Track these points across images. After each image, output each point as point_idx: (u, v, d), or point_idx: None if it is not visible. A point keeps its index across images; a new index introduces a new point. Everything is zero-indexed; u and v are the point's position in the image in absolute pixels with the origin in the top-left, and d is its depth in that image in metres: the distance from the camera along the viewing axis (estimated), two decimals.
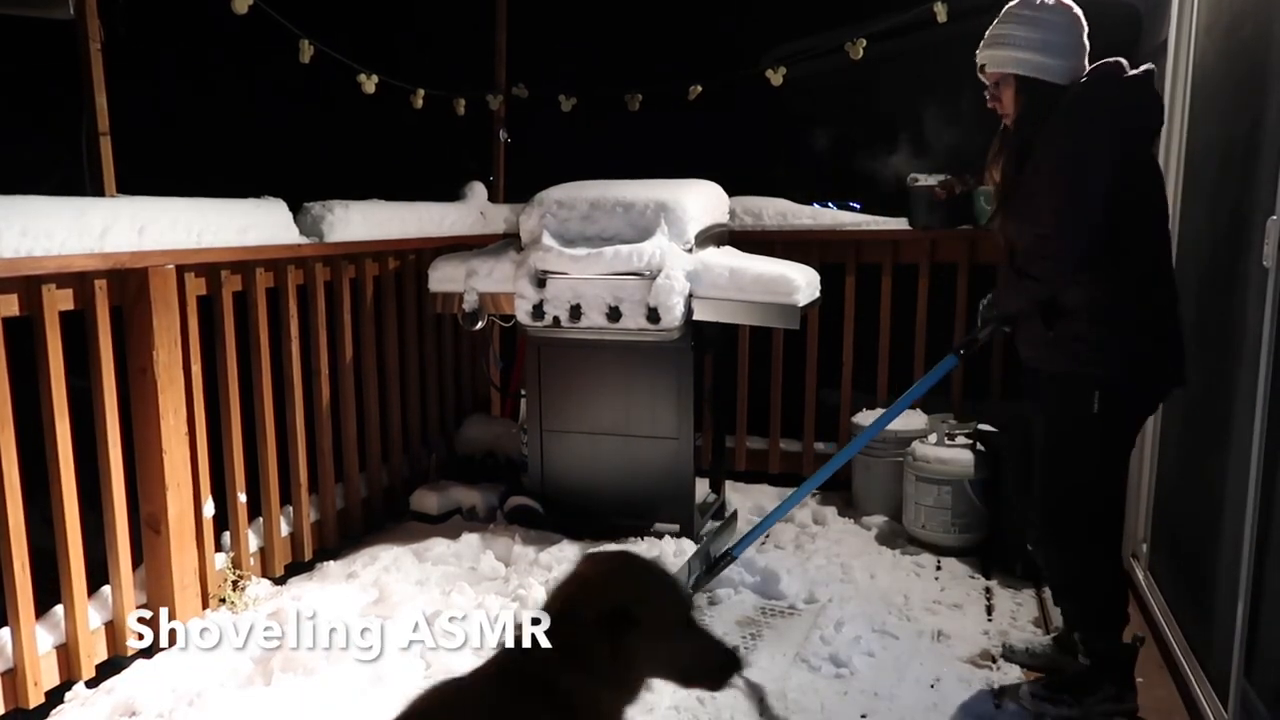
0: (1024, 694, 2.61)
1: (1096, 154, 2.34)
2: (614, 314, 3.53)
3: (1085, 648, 2.60)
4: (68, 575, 2.62)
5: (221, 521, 3.23)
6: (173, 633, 2.87)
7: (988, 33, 2.52)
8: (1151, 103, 2.47)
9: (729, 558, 3.27)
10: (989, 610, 3.22)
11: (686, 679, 1.60)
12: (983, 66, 2.54)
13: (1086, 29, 2.48)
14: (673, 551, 3.45)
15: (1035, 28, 2.44)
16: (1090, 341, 2.40)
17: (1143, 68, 2.44)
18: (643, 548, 3.48)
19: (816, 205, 4.61)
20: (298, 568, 3.55)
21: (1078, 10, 2.48)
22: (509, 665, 1.52)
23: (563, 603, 1.51)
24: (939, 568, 3.56)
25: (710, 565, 3.32)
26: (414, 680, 2.63)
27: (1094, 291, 2.39)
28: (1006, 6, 2.51)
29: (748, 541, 3.28)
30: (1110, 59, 2.44)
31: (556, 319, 3.60)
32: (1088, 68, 2.46)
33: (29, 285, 2.47)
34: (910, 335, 4.37)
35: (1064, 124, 2.39)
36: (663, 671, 1.55)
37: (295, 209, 3.49)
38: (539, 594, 3.33)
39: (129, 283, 2.76)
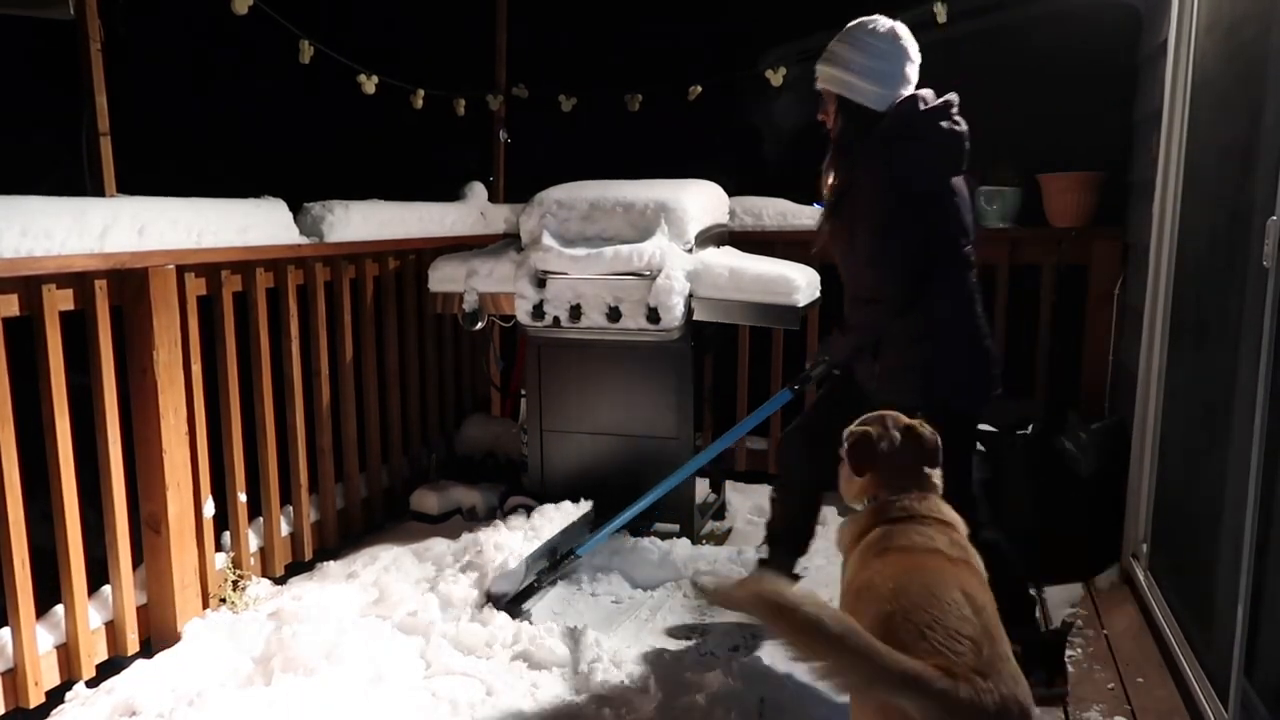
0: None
1: (900, 212, 2.48)
2: (614, 314, 3.53)
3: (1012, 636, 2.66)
4: (68, 575, 2.62)
5: (221, 521, 3.23)
6: (173, 633, 2.88)
7: (827, 47, 2.64)
8: (947, 143, 2.56)
9: (572, 555, 3.26)
10: None
11: None
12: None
13: (915, 63, 2.60)
14: (669, 551, 3.47)
15: (861, 52, 2.56)
16: (915, 370, 2.57)
17: (941, 100, 2.57)
18: (644, 544, 3.49)
19: (817, 205, 4.60)
20: (298, 568, 3.56)
21: (907, 42, 2.59)
22: None
23: None
24: None
25: (554, 562, 3.25)
26: (414, 680, 2.63)
27: (913, 325, 2.57)
28: (846, 26, 2.62)
29: (594, 542, 3.29)
30: (909, 95, 2.56)
31: (556, 319, 3.61)
32: (903, 95, 2.57)
33: (29, 285, 2.47)
34: None
35: (872, 169, 2.53)
36: None
37: (295, 209, 3.50)
38: (538, 594, 3.34)
39: (129, 283, 2.76)
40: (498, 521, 3.58)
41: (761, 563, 3.13)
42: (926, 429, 2.12)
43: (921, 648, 1.54)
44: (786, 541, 3.06)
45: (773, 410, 3.18)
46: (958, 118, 2.58)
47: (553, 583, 3.27)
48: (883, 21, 2.60)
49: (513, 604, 3.06)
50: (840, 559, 2.16)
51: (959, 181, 2.62)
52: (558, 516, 3.49)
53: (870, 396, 2.62)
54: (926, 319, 2.56)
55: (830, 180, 2.70)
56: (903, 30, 2.60)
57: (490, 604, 3.00)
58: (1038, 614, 2.87)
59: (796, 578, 3.12)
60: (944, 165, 2.57)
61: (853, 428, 2.15)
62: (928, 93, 2.61)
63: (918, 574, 1.77)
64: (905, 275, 2.52)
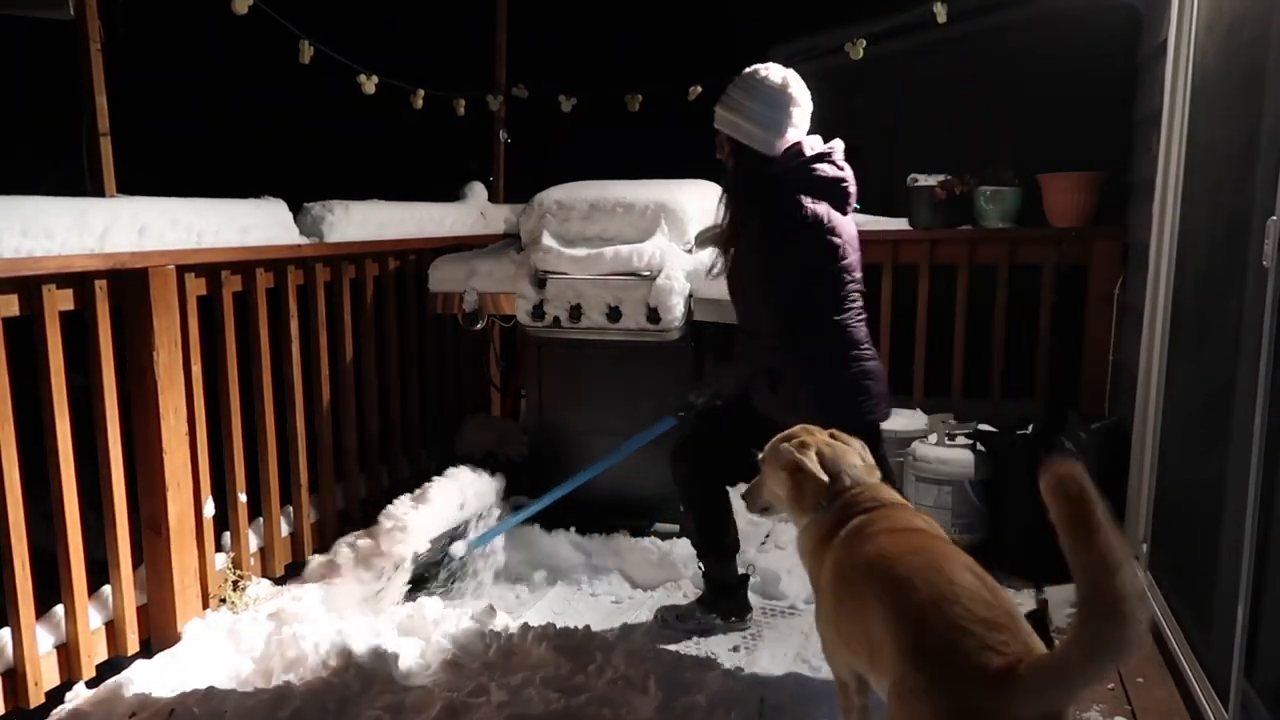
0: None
1: (784, 253, 2.65)
2: (614, 314, 3.53)
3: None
4: (68, 575, 2.62)
5: (222, 521, 3.23)
6: (173, 633, 2.89)
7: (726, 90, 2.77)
8: (829, 185, 2.72)
9: (471, 546, 3.37)
10: None
11: None
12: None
13: (804, 109, 2.74)
14: (669, 551, 3.46)
15: (750, 97, 2.71)
16: (809, 404, 2.67)
17: (825, 147, 2.74)
18: (644, 544, 3.49)
19: None
20: (298, 568, 3.55)
21: (794, 89, 2.73)
22: None
23: None
24: None
25: (439, 558, 3.34)
26: (416, 677, 2.63)
27: (804, 356, 2.72)
28: (743, 72, 2.76)
29: (486, 539, 3.37)
30: (795, 142, 2.72)
31: (556, 319, 3.61)
32: (791, 142, 2.72)
33: (29, 285, 2.47)
34: (910, 335, 4.37)
35: (758, 211, 2.70)
36: None
37: (295, 209, 3.50)
38: (538, 595, 3.34)
39: (129, 283, 2.76)
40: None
41: (705, 576, 3.13)
42: (844, 435, 2.32)
43: (967, 645, 1.57)
44: (714, 550, 3.10)
45: (655, 435, 3.23)
46: (840, 162, 2.76)
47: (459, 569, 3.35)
48: (775, 71, 2.75)
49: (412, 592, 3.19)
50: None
51: (846, 221, 2.76)
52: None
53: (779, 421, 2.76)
54: (812, 356, 2.73)
55: (724, 219, 2.86)
56: (794, 79, 2.75)
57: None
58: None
59: (745, 578, 3.16)
60: (823, 208, 2.69)
61: (787, 446, 2.27)
62: (815, 139, 2.77)
63: (923, 556, 1.83)
64: (786, 312, 2.68)
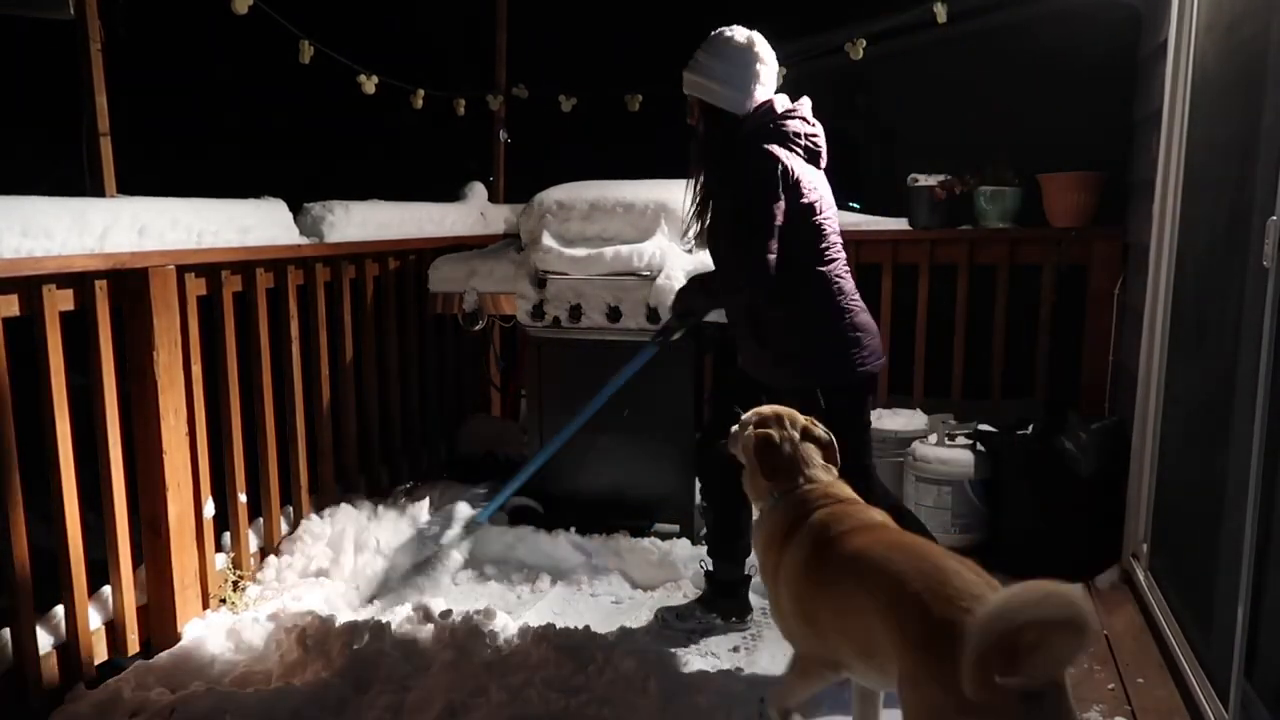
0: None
1: (761, 205, 2.64)
2: (614, 314, 3.53)
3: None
4: (68, 575, 2.62)
5: (222, 522, 3.23)
6: (173, 633, 2.88)
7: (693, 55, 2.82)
8: (799, 140, 2.75)
9: (476, 523, 3.47)
10: None
11: None
12: None
13: (770, 67, 2.78)
14: (669, 551, 3.46)
15: (716, 59, 2.76)
16: (799, 356, 2.76)
17: (794, 103, 2.77)
18: (644, 544, 3.49)
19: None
20: None
21: (760, 48, 2.77)
22: None
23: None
24: None
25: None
26: (416, 677, 2.63)
27: (784, 312, 2.74)
28: (709, 35, 2.81)
29: (494, 506, 3.46)
30: (765, 100, 2.75)
31: (557, 319, 3.61)
32: (760, 101, 2.76)
33: (29, 285, 2.47)
34: (910, 335, 4.37)
35: (731, 169, 2.72)
36: None
37: (295, 209, 3.50)
38: (538, 595, 3.34)
39: (129, 283, 2.76)
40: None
41: (707, 575, 3.14)
42: (820, 428, 2.35)
43: (966, 623, 1.62)
44: (725, 551, 3.11)
45: (638, 367, 3.23)
46: (809, 117, 2.79)
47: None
48: (740, 31, 2.79)
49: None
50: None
51: (818, 177, 2.79)
52: None
53: (763, 383, 2.82)
54: (796, 309, 2.75)
55: (696, 181, 2.90)
56: (758, 39, 2.79)
57: None
58: None
59: (747, 578, 3.15)
60: (796, 162, 2.72)
61: (752, 429, 2.31)
62: (782, 98, 2.80)
63: (904, 550, 1.91)
64: (762, 265, 2.65)
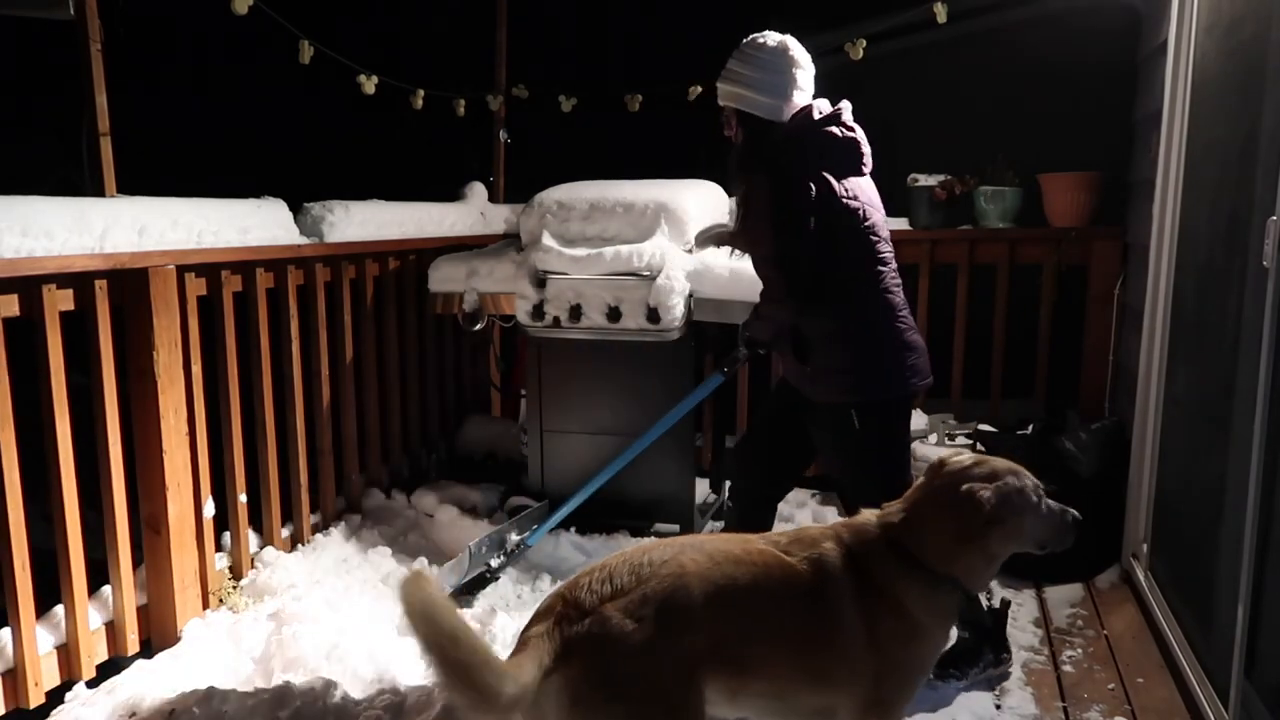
0: None
1: (797, 210, 2.53)
2: (614, 314, 3.53)
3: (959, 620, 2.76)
4: (68, 575, 2.62)
5: (221, 521, 3.23)
6: (173, 633, 2.88)
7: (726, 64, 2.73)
8: (841, 146, 2.64)
9: (524, 545, 3.39)
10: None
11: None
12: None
13: (806, 70, 2.69)
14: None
15: (751, 66, 2.66)
16: (839, 371, 2.62)
17: (834, 109, 2.67)
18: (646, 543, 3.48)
19: None
20: None
21: (795, 52, 2.68)
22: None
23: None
24: None
25: (508, 553, 3.38)
26: (416, 678, 2.63)
27: (830, 324, 2.62)
28: (740, 43, 2.72)
29: (542, 530, 3.38)
30: (804, 106, 2.66)
31: (556, 319, 3.60)
32: (798, 106, 2.66)
33: (29, 285, 2.47)
34: None
35: (769, 173, 2.60)
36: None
37: (295, 209, 3.50)
38: (538, 595, 3.34)
39: (129, 283, 2.76)
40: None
41: None
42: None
43: None
44: None
45: (707, 394, 3.25)
46: (850, 123, 2.69)
47: (499, 573, 3.33)
48: (772, 36, 2.71)
49: (459, 595, 3.14)
50: None
51: (863, 183, 2.69)
52: None
53: (806, 396, 2.73)
54: (844, 321, 2.63)
55: (738, 191, 2.80)
56: (792, 43, 2.70)
57: None
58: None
59: None
60: (838, 168, 2.63)
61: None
62: (822, 102, 2.71)
63: None
64: (804, 274, 2.58)
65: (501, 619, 2.96)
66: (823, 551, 1.88)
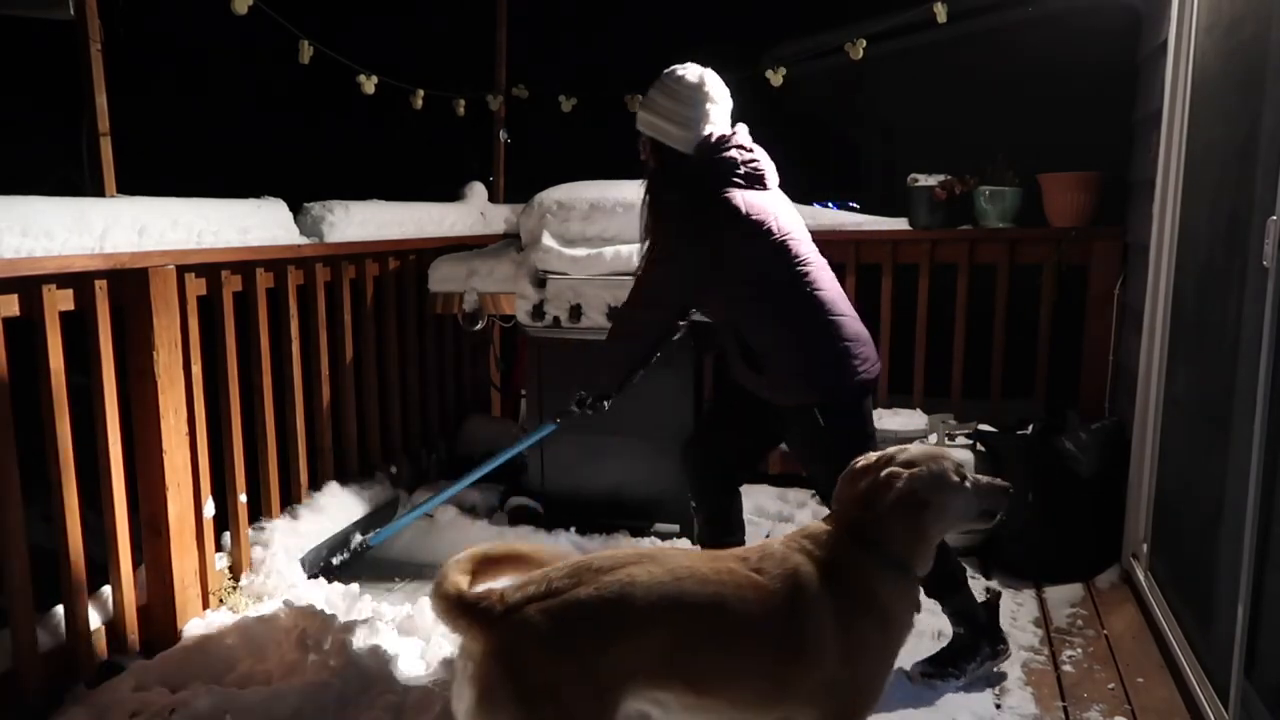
0: (914, 672, 2.74)
1: (685, 244, 2.67)
2: (614, 314, 3.53)
3: (951, 614, 2.79)
4: (68, 575, 2.62)
5: (222, 522, 3.23)
6: (173, 633, 2.88)
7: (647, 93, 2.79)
8: (741, 167, 2.70)
9: (366, 546, 3.39)
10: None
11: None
12: None
13: (721, 105, 2.77)
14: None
15: (667, 97, 2.73)
16: (794, 375, 2.69)
17: (732, 131, 2.75)
18: (646, 542, 3.49)
19: (816, 205, 4.60)
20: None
21: (710, 87, 2.75)
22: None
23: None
24: None
25: (354, 552, 3.44)
26: (417, 677, 2.63)
27: (774, 336, 2.70)
28: (662, 73, 2.77)
29: (387, 532, 3.35)
30: (707, 134, 2.71)
31: (556, 319, 3.61)
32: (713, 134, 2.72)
33: (29, 285, 2.47)
34: (910, 335, 4.37)
35: (670, 206, 2.72)
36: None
37: (295, 209, 3.49)
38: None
39: (129, 283, 2.75)
40: None
41: None
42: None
43: None
44: (719, 548, 3.07)
45: (535, 440, 3.22)
46: (745, 144, 2.75)
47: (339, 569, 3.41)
48: (692, 70, 2.77)
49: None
50: None
51: (767, 196, 2.74)
52: None
53: (768, 401, 2.77)
54: (784, 329, 2.70)
55: (646, 218, 2.87)
56: (710, 77, 2.77)
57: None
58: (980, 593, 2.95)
59: None
60: (742, 188, 2.69)
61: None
62: (721, 127, 2.77)
63: None
64: (633, 325, 2.78)
65: None
66: (792, 562, 1.91)
